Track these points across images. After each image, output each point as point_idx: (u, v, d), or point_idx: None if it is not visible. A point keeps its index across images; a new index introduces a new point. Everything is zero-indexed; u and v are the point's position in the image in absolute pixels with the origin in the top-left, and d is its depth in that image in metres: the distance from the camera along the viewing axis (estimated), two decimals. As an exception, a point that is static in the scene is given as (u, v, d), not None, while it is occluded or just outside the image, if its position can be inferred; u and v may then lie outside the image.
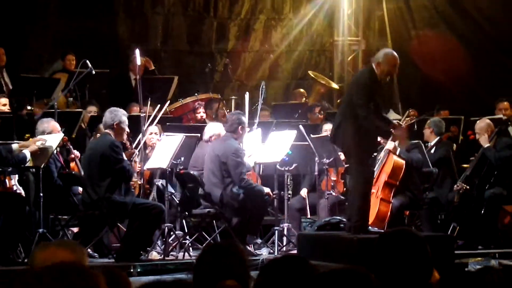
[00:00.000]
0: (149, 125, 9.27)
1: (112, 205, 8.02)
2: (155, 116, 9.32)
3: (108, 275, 2.83)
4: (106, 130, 8.25)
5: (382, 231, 8.19)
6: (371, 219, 8.60)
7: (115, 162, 8.03)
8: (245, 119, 9.03)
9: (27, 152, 7.89)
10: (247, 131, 9.06)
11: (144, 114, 9.21)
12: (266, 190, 8.89)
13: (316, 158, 9.34)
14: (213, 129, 9.31)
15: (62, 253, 3.04)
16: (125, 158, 8.17)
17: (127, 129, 8.30)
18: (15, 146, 7.88)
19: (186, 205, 8.80)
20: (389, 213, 8.81)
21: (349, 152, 8.02)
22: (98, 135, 8.91)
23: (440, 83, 13.36)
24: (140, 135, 8.99)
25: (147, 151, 9.19)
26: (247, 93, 10.38)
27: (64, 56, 11.98)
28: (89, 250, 8.17)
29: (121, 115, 8.25)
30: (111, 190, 8.03)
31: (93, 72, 9.84)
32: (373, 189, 8.67)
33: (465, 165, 10.02)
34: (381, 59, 7.82)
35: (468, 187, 9.50)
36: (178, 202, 8.87)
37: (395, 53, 7.97)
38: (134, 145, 8.81)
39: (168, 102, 10.72)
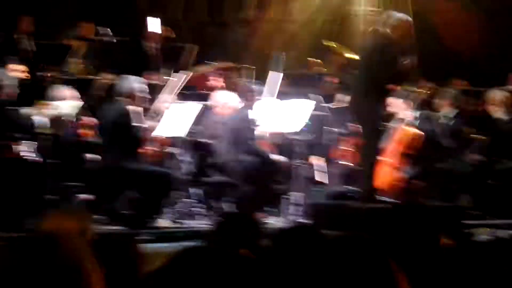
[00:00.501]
0: (175, 93, 9.25)
1: (123, 173, 8.08)
2: (179, 86, 9.29)
3: (117, 242, 2.88)
4: (119, 98, 8.29)
5: (392, 200, 8.23)
6: (384, 188, 8.66)
7: (126, 130, 8.08)
8: (256, 86, 9.04)
9: (45, 119, 7.95)
10: (257, 98, 9.08)
11: (163, 83, 9.21)
12: (277, 158, 8.90)
13: (329, 128, 9.32)
14: (220, 98, 9.32)
15: (68, 221, 3.09)
16: (140, 124, 8.20)
17: (141, 95, 8.31)
18: (30, 111, 7.98)
19: (197, 173, 8.85)
20: (401, 183, 8.85)
21: (366, 123, 8.03)
22: None
23: (460, 55, 13.24)
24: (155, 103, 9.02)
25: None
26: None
27: (82, 24, 12.03)
28: (100, 216, 8.24)
29: (133, 82, 8.28)
30: (123, 157, 8.09)
31: (114, 40, 9.86)
32: (388, 158, 8.69)
33: (479, 136, 9.96)
34: (396, 22, 7.86)
35: (482, 158, 9.47)
36: (188, 170, 8.92)
37: (408, 17, 8.05)
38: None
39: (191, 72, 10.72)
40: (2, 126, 7.77)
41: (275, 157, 8.94)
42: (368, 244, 2.22)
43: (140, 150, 8.38)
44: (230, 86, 11.15)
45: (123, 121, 8.09)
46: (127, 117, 8.11)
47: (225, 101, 9.26)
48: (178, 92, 9.69)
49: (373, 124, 7.93)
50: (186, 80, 9.70)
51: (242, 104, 9.10)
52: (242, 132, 8.72)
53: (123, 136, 8.09)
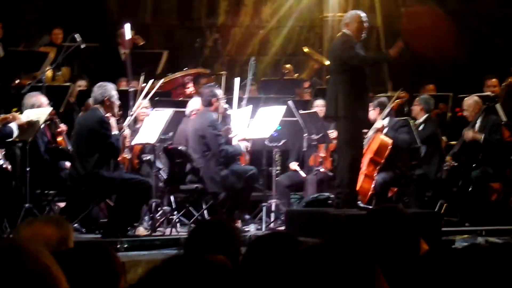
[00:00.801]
0: (142, 99, 9.19)
1: (99, 181, 7.98)
2: (149, 91, 9.23)
3: (95, 250, 2.83)
4: (96, 105, 8.18)
5: (370, 207, 8.24)
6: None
7: (103, 138, 7.98)
8: (219, 91, 9.03)
9: (14, 126, 7.83)
10: (222, 102, 9.05)
11: (133, 89, 9.14)
12: (243, 145, 8.87)
13: (305, 134, 9.33)
14: (194, 104, 9.29)
15: (47, 228, 3.03)
16: (115, 132, 8.11)
17: (117, 103, 8.24)
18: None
19: (174, 181, 8.79)
20: (371, 189, 8.88)
21: (340, 125, 8.07)
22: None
23: (429, 60, 13.34)
24: (130, 110, 8.94)
25: (137, 126, 9.14)
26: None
27: (51, 30, 11.91)
28: (76, 225, 8.15)
29: (111, 89, 8.18)
30: (99, 165, 7.99)
31: (82, 45, 9.77)
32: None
33: (453, 142, 10.04)
34: (348, 19, 8.20)
35: (455, 163, 9.54)
36: (165, 177, 8.85)
37: (358, 11, 8.41)
38: (123, 120, 8.74)
39: (162, 79, 10.64)
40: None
41: (240, 144, 8.88)
42: (347, 249, 2.21)
43: (117, 158, 8.27)
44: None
45: (100, 129, 7.99)
46: (104, 125, 8.01)
47: (197, 107, 9.21)
48: (150, 98, 9.61)
49: (350, 127, 7.97)
50: (158, 86, 9.65)
51: (203, 109, 9.01)
52: (206, 135, 8.67)
53: (100, 144, 7.98)
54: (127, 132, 8.63)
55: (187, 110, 9.25)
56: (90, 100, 8.91)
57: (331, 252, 2.16)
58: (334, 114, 8.04)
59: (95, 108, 8.17)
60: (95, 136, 7.99)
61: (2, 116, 8.02)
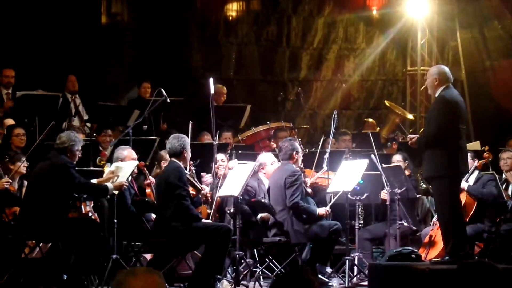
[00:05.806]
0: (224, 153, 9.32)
1: (176, 233, 8.03)
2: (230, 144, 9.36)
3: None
4: (172, 158, 8.29)
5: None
6: (439, 251, 8.56)
7: (175, 188, 8.06)
8: (297, 144, 9.07)
9: (109, 185, 8.00)
10: (301, 156, 9.11)
11: (217, 143, 9.24)
12: (320, 211, 8.83)
13: (388, 188, 9.27)
14: (263, 158, 9.33)
15: (154, 278, 3.05)
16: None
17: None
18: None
19: (257, 233, 8.80)
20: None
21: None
22: (163, 163, 8.97)
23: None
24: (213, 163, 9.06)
25: (218, 180, 9.21)
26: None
27: (141, 84, 12.17)
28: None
29: (188, 142, 8.32)
30: (175, 217, 8.05)
31: (168, 100, 9.98)
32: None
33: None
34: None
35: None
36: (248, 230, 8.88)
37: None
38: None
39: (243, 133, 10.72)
40: (73, 187, 7.84)
41: (318, 209, 8.85)
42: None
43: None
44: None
45: (175, 180, 8.06)
46: (180, 176, 8.08)
47: (262, 161, 9.27)
48: (234, 152, 9.72)
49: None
50: (237, 139, 9.74)
51: (283, 162, 9.06)
52: (285, 184, 8.71)
53: (175, 195, 8.05)
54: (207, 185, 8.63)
55: (256, 164, 9.25)
56: (163, 152, 9.08)
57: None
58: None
59: (172, 161, 8.27)
60: (170, 187, 8.08)
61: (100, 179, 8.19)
